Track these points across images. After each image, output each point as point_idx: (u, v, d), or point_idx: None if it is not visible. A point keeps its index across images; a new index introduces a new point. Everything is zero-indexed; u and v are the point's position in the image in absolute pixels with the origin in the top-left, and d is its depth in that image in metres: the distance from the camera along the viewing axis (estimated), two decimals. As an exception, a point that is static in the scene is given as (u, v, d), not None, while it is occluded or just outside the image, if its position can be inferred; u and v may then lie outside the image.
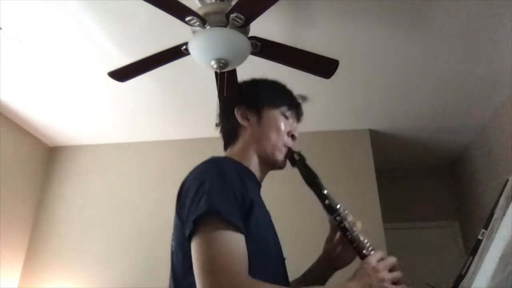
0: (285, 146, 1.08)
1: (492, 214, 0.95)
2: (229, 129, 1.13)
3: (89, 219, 3.60)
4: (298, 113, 1.16)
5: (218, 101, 2.40)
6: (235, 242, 0.81)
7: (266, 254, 0.91)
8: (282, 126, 1.08)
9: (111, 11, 2.33)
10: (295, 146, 1.10)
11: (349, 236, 0.98)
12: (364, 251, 0.96)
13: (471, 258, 0.93)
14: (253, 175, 1.06)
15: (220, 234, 0.81)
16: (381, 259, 0.92)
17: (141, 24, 2.42)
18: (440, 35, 2.51)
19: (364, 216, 3.89)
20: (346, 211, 1.01)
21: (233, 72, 2.22)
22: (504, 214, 0.91)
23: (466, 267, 0.93)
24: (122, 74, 2.23)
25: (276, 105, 1.10)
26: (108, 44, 2.58)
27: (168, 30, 2.35)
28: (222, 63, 1.92)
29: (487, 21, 2.37)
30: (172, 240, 0.98)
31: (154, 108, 3.36)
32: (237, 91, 1.21)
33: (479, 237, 0.94)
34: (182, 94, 3.17)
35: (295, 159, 1.06)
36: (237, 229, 0.82)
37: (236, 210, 0.84)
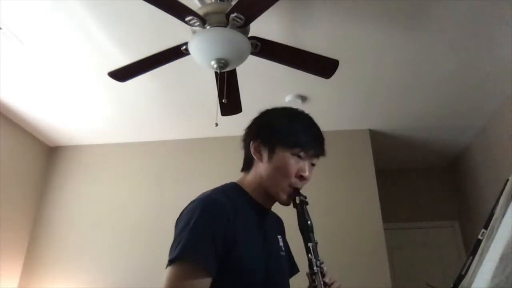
0: (291, 186, 1.09)
1: (492, 214, 0.95)
2: (246, 157, 1.18)
3: (89, 219, 3.60)
4: (316, 153, 1.14)
5: (218, 101, 2.40)
6: (198, 283, 0.92)
7: (248, 283, 0.99)
8: (292, 168, 1.08)
9: (111, 11, 2.33)
10: (304, 184, 1.12)
11: None
12: None
13: (471, 258, 0.93)
14: (258, 205, 1.12)
15: (185, 277, 0.92)
16: None
17: (141, 24, 2.42)
18: (440, 35, 2.51)
19: (364, 216, 3.89)
20: (326, 269, 1.05)
21: (233, 72, 2.22)
22: (504, 214, 0.91)
23: (466, 267, 0.93)
24: (122, 74, 2.23)
25: (289, 145, 1.09)
26: (108, 44, 2.57)
27: (168, 30, 2.35)
28: (222, 63, 1.92)
29: (487, 21, 2.37)
30: None
31: (154, 108, 3.36)
32: (258, 122, 1.20)
33: (479, 237, 0.94)
34: (182, 94, 3.17)
35: (296, 202, 1.10)
36: (204, 272, 0.92)
37: (210, 252, 0.93)
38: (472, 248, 0.94)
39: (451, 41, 2.56)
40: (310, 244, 1.04)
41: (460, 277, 0.92)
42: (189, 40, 1.94)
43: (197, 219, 0.96)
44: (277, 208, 1.20)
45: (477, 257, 0.91)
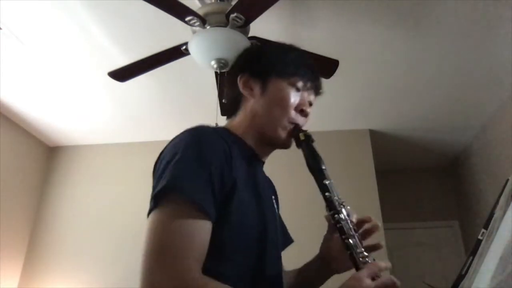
0: (291, 122, 0.92)
1: (492, 214, 0.95)
2: (231, 98, 0.99)
3: (89, 219, 3.60)
4: (314, 85, 0.97)
5: (219, 101, 2.40)
6: (193, 228, 0.69)
7: (242, 240, 0.78)
8: (290, 99, 0.91)
9: (111, 11, 2.33)
10: (305, 124, 0.95)
11: (345, 241, 0.82)
12: (360, 261, 0.79)
13: (471, 258, 0.93)
14: (249, 150, 0.93)
15: (177, 215, 0.69)
16: (376, 276, 0.73)
17: (141, 24, 2.42)
18: (440, 35, 2.51)
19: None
20: (349, 208, 0.87)
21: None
22: (504, 214, 0.91)
23: (466, 267, 0.93)
24: (122, 74, 2.23)
25: (285, 74, 0.93)
26: (108, 44, 2.57)
27: (168, 30, 2.35)
28: (222, 63, 1.92)
29: (487, 21, 2.37)
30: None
31: (154, 108, 3.36)
32: (244, 55, 1.03)
33: (479, 237, 0.94)
34: (182, 94, 3.17)
35: (300, 138, 0.91)
36: (201, 212, 0.70)
37: (207, 190, 0.72)
38: (472, 248, 0.94)
39: (451, 41, 2.56)
40: (326, 181, 0.85)
41: (460, 277, 0.92)
42: (189, 40, 1.94)
43: (186, 149, 0.76)
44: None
45: (477, 257, 0.91)
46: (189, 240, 0.68)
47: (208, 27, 1.90)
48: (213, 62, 1.92)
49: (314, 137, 0.92)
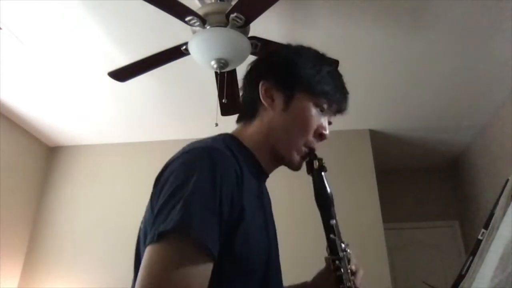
0: (306, 146, 0.87)
1: (492, 214, 0.95)
2: (248, 101, 0.90)
3: (89, 219, 3.60)
4: (340, 108, 0.93)
5: (219, 101, 2.40)
6: (196, 272, 0.64)
7: (245, 270, 0.74)
8: (313, 122, 0.86)
9: (111, 11, 2.33)
10: (319, 148, 0.90)
11: (338, 284, 0.81)
12: None
13: (471, 258, 0.93)
14: (258, 166, 0.86)
15: (182, 257, 0.64)
16: None
17: (141, 24, 2.42)
18: (440, 35, 2.51)
19: (364, 216, 3.89)
20: (350, 253, 0.85)
21: (233, 72, 2.22)
22: (504, 214, 0.91)
23: (466, 267, 0.93)
24: (122, 74, 2.23)
25: (313, 92, 0.85)
26: (108, 44, 2.58)
27: (168, 30, 2.35)
28: (222, 63, 1.92)
29: (487, 21, 2.37)
30: (141, 223, 0.84)
31: (154, 108, 3.36)
32: (271, 58, 0.93)
33: (479, 237, 0.94)
34: (182, 94, 3.17)
35: (314, 166, 0.87)
36: (207, 255, 0.65)
37: (215, 226, 0.67)
38: (472, 248, 0.94)
39: (451, 41, 2.56)
40: (332, 222, 0.82)
41: (460, 277, 0.92)
42: (189, 40, 1.94)
43: (199, 177, 0.68)
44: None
45: (477, 257, 0.91)
46: (189, 284, 0.63)
47: (208, 27, 1.90)
48: (213, 62, 1.92)
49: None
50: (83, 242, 3.51)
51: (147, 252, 0.65)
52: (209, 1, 2.09)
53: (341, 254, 0.82)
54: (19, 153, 3.58)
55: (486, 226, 0.94)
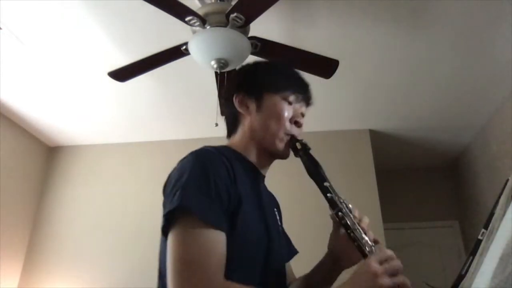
0: (287, 134, 0.99)
1: (492, 214, 0.95)
2: (230, 117, 1.06)
3: (89, 219, 3.60)
4: (305, 97, 1.04)
5: (218, 101, 2.40)
6: (211, 241, 0.76)
7: (248, 251, 0.85)
8: (284, 113, 0.98)
9: (111, 11, 2.33)
10: (300, 134, 1.02)
11: (351, 234, 0.87)
12: (367, 250, 0.84)
13: (471, 258, 0.93)
14: (251, 166, 1.00)
15: (195, 231, 0.76)
16: (385, 261, 0.78)
17: (141, 24, 2.42)
18: (440, 35, 2.51)
19: (364, 216, 3.79)
20: (350, 206, 0.94)
21: (233, 72, 2.22)
22: (504, 214, 0.91)
23: (466, 267, 0.93)
24: (122, 74, 2.23)
25: (277, 90, 1.00)
26: (108, 44, 2.58)
27: (168, 30, 2.35)
28: (222, 63, 1.92)
29: (487, 21, 2.37)
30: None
31: (154, 108, 3.36)
32: (237, 75, 1.11)
33: (479, 237, 0.94)
34: (182, 94, 3.17)
35: (297, 148, 0.98)
36: (213, 226, 0.77)
37: (215, 206, 0.78)
38: (472, 248, 0.94)
39: (451, 41, 2.56)
40: (326, 184, 0.92)
41: (460, 277, 0.92)
42: (189, 40, 1.94)
43: (192, 170, 0.82)
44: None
45: (477, 257, 0.91)
46: (209, 254, 0.75)
47: (208, 27, 1.90)
48: (213, 62, 1.92)
49: (310, 144, 0.98)
50: (83, 242, 3.51)
51: (168, 240, 0.79)
52: (209, 1, 2.09)
53: (340, 205, 0.91)
54: (19, 153, 3.58)
55: (486, 226, 0.94)
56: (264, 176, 1.05)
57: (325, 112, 3.37)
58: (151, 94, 3.15)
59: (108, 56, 2.66)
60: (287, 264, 1.07)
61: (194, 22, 1.88)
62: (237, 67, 1.15)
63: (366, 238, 0.87)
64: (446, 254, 3.99)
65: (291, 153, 1.01)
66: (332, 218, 0.97)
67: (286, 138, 0.99)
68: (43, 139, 3.84)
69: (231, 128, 1.06)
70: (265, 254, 0.88)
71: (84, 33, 2.49)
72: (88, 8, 2.30)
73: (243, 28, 1.94)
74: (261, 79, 1.04)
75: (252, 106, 1.01)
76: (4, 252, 3.27)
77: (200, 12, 1.88)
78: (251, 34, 2.02)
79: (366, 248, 0.85)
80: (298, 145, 0.97)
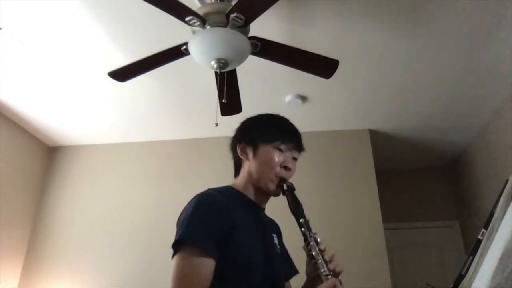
0: (277, 176, 1.19)
1: (492, 214, 0.95)
2: (236, 162, 1.30)
3: (89, 219, 3.60)
4: (295, 146, 1.24)
5: (219, 101, 2.40)
6: (199, 263, 0.99)
7: (245, 273, 1.05)
8: (275, 159, 1.19)
9: (111, 11, 2.33)
10: (290, 176, 1.22)
11: (315, 263, 1.08)
12: (323, 277, 1.05)
13: (471, 258, 0.93)
14: (251, 202, 1.21)
15: (189, 256, 1.00)
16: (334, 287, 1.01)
17: (141, 24, 2.42)
18: (440, 36, 2.51)
19: (364, 216, 3.89)
20: (319, 239, 1.11)
21: (233, 72, 2.22)
22: (504, 214, 0.91)
23: (466, 267, 0.93)
24: (122, 74, 2.23)
25: (269, 141, 1.21)
26: (108, 44, 2.58)
27: (168, 30, 2.35)
28: (222, 63, 1.92)
29: (487, 21, 2.37)
30: None
31: (154, 108, 3.36)
32: (240, 128, 1.34)
33: (479, 237, 0.94)
34: (182, 94, 3.17)
35: (284, 188, 1.18)
36: (205, 253, 0.99)
37: (209, 237, 1.01)
38: (472, 248, 0.94)
39: (451, 41, 2.56)
40: (301, 220, 1.12)
41: (460, 277, 0.92)
42: (189, 40, 1.94)
43: (195, 208, 1.06)
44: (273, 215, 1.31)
45: (477, 257, 0.91)
46: (197, 273, 0.99)
47: (208, 27, 1.90)
48: (213, 62, 1.92)
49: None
50: (83, 242, 3.51)
51: (172, 263, 1.01)
52: (209, 1, 2.09)
53: (309, 239, 1.11)
54: (19, 153, 3.58)
55: (486, 226, 0.94)
56: (263, 209, 1.26)
57: (325, 112, 3.37)
58: (151, 94, 3.15)
59: (108, 56, 2.66)
60: (287, 284, 1.27)
61: (194, 22, 1.87)
62: (241, 122, 1.35)
63: (324, 268, 1.06)
64: (446, 254, 3.99)
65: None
66: (304, 249, 1.15)
67: (276, 180, 1.19)
68: (43, 139, 3.84)
69: (236, 170, 1.29)
70: (261, 273, 1.09)
71: (84, 33, 2.49)
72: (88, 8, 2.30)
73: (243, 28, 1.93)
74: (257, 132, 1.26)
75: (250, 154, 1.24)
76: (4, 252, 3.27)
77: (200, 12, 1.88)
78: (251, 34, 2.01)
79: (324, 275, 1.05)
80: (285, 187, 1.19)
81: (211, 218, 1.05)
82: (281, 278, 1.21)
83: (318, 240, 1.11)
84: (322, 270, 1.05)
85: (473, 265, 0.91)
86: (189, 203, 1.11)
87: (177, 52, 2.06)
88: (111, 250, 3.45)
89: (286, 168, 1.21)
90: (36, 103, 3.25)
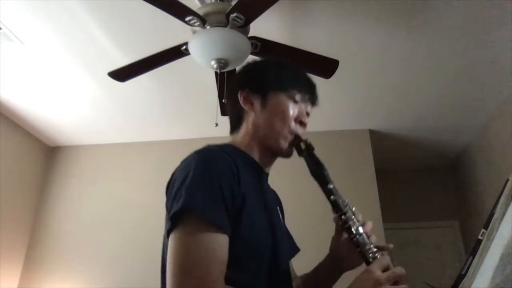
0: (291, 133, 0.97)
1: (492, 214, 0.95)
2: (234, 113, 1.04)
3: (89, 219, 3.60)
4: (311, 96, 1.04)
5: (219, 101, 2.40)
6: (213, 243, 0.74)
7: (254, 250, 0.83)
8: (289, 112, 0.97)
9: (111, 11, 2.33)
10: (304, 133, 1.00)
11: (354, 239, 0.88)
12: (370, 256, 0.85)
13: (471, 258, 0.93)
14: (255, 164, 0.98)
15: (197, 233, 0.74)
16: (387, 268, 0.80)
17: (141, 24, 2.42)
18: (440, 36, 2.51)
19: (364, 216, 3.87)
20: (354, 209, 0.93)
21: (233, 72, 2.22)
22: (504, 214, 0.91)
23: (466, 267, 0.93)
24: (122, 74, 2.23)
25: (283, 88, 0.99)
26: (108, 44, 2.57)
27: (168, 30, 2.35)
28: (222, 63, 1.92)
29: (487, 21, 2.37)
30: (164, 236, 0.91)
31: (154, 108, 3.36)
32: (243, 72, 1.09)
33: (479, 237, 0.94)
34: (182, 94, 3.17)
35: (301, 148, 0.96)
36: (218, 228, 0.75)
37: (220, 207, 0.77)
38: (472, 248, 0.94)
39: (451, 41, 2.56)
40: (330, 186, 0.91)
41: (460, 277, 0.92)
42: (189, 40, 1.94)
43: (196, 171, 0.80)
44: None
45: (477, 257, 0.91)
46: (211, 256, 0.73)
47: (208, 27, 1.90)
48: (213, 62, 1.92)
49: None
50: (83, 242, 3.51)
51: (170, 240, 0.76)
52: (209, 1, 2.09)
53: (344, 209, 0.90)
54: (19, 153, 3.58)
55: (486, 226, 0.94)
56: (267, 174, 1.03)
57: (325, 112, 3.37)
58: (151, 94, 3.15)
59: (108, 56, 2.66)
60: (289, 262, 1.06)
61: (194, 22, 1.88)
62: (243, 64, 1.10)
63: (369, 245, 0.86)
64: (446, 254, 3.99)
65: (294, 152, 1.00)
66: (335, 220, 0.97)
67: (290, 137, 0.97)
68: (43, 139, 3.84)
69: (235, 125, 1.04)
70: (271, 253, 0.87)
71: (84, 33, 2.48)
72: (88, 8, 2.30)
73: (243, 28, 1.94)
74: (267, 76, 1.02)
75: (257, 103, 0.99)
76: (4, 252, 3.27)
77: (200, 12, 1.88)
78: (251, 34, 2.01)
79: (369, 254, 0.85)
80: (303, 145, 0.96)
81: (223, 179, 0.80)
82: (288, 259, 1.02)
83: (354, 208, 0.92)
84: (368, 247, 0.85)
85: (473, 265, 0.91)
86: (186, 163, 0.86)
87: (177, 52, 2.06)
88: (111, 250, 3.45)
89: (301, 123, 0.99)
90: (36, 103, 3.25)
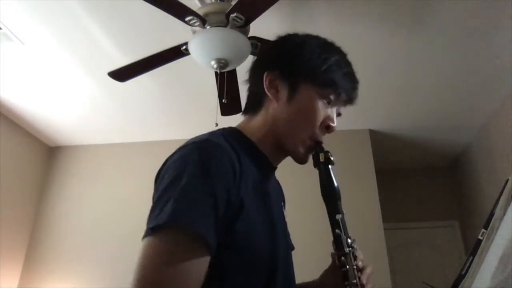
0: (312, 139, 0.83)
1: (492, 214, 0.95)
2: (253, 93, 0.88)
3: (89, 219, 3.60)
4: (349, 99, 0.90)
5: (218, 101, 2.40)
6: (192, 265, 0.63)
7: (248, 262, 0.73)
8: (317, 115, 0.82)
9: (111, 11, 2.33)
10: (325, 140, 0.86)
11: (347, 286, 0.78)
12: None
13: (471, 258, 0.93)
14: (264, 158, 0.84)
15: (178, 249, 0.63)
16: None
17: (141, 24, 2.42)
18: (441, 36, 2.51)
19: (364, 216, 3.89)
20: (357, 248, 0.83)
21: (233, 72, 2.22)
22: (504, 214, 0.91)
23: (466, 267, 0.93)
24: (122, 74, 2.23)
25: (319, 83, 0.82)
26: (108, 44, 2.57)
27: (168, 30, 2.35)
28: (222, 63, 1.92)
29: (487, 21, 2.37)
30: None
31: (154, 108, 3.36)
32: (277, 47, 0.90)
33: (479, 237, 0.94)
34: (182, 94, 3.17)
35: (320, 159, 0.83)
36: (203, 246, 0.64)
37: (211, 219, 0.65)
38: (472, 248, 0.94)
39: (451, 41, 2.56)
40: (338, 216, 0.80)
41: (460, 277, 0.92)
42: (189, 40, 1.94)
43: (192, 171, 0.67)
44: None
45: (477, 257, 0.91)
46: (185, 278, 0.62)
47: (208, 27, 1.90)
48: (213, 62, 1.92)
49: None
50: (83, 242, 3.51)
51: (142, 246, 0.65)
52: (209, 1, 2.09)
53: (346, 249, 0.80)
54: (19, 153, 3.58)
55: (486, 226, 0.94)
56: (275, 168, 0.90)
57: (325, 112, 3.37)
58: (151, 94, 3.15)
59: (108, 56, 2.66)
60: None
61: (194, 22, 1.88)
62: (282, 34, 0.91)
63: None
64: (446, 254, 3.99)
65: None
66: (333, 257, 0.86)
67: (309, 143, 0.83)
68: (43, 139, 3.84)
69: (251, 108, 0.88)
70: (271, 261, 0.76)
71: (84, 33, 2.48)
72: (88, 8, 2.30)
73: (243, 28, 1.94)
74: (304, 63, 0.84)
75: (284, 92, 0.83)
76: (4, 252, 3.27)
77: (200, 12, 1.88)
78: (251, 34, 2.01)
79: None
80: (322, 157, 0.82)
81: (220, 184, 0.67)
82: (292, 267, 0.89)
83: (356, 249, 0.82)
84: None
85: (473, 265, 0.91)
86: (181, 155, 0.72)
87: (177, 52, 2.06)
88: (111, 250, 3.45)
89: (328, 128, 0.84)
90: (36, 103, 3.25)
